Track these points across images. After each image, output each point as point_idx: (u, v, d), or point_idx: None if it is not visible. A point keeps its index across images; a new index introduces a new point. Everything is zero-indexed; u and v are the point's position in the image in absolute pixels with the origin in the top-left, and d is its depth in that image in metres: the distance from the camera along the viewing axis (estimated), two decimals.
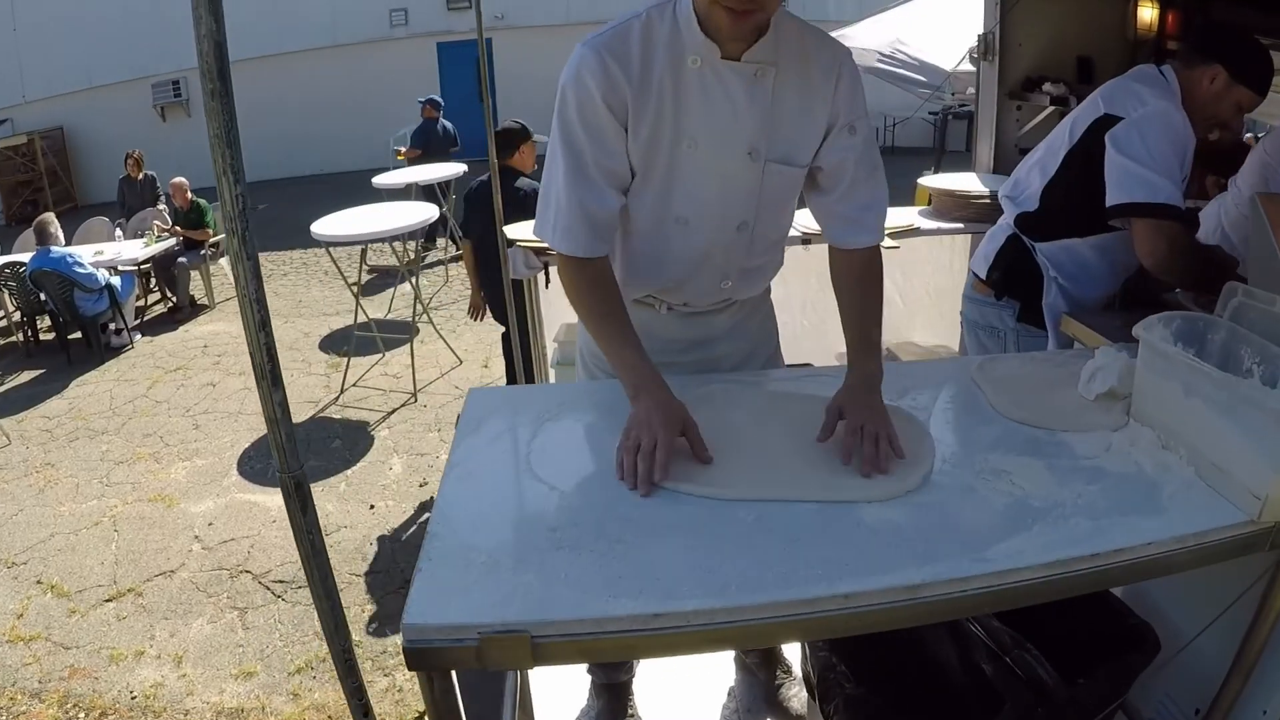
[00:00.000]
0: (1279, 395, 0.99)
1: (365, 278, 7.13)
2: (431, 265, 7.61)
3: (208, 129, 0.72)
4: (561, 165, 1.25)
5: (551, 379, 3.01)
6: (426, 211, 4.81)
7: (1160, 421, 1.14)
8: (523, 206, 3.15)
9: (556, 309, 2.92)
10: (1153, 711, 1.41)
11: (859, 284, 1.36)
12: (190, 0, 0.71)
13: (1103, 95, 1.83)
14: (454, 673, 0.90)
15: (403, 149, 7.74)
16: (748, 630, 0.86)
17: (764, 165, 1.28)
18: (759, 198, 1.31)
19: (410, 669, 0.89)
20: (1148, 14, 3.00)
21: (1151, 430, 1.15)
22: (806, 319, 3.11)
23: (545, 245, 1.47)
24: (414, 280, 5.43)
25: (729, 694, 1.82)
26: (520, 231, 2.75)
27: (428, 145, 7.71)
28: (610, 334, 1.25)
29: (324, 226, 4.57)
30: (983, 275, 2.05)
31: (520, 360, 2.93)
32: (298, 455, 0.85)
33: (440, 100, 7.87)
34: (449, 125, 7.93)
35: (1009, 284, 2.00)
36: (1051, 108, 3.10)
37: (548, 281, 2.80)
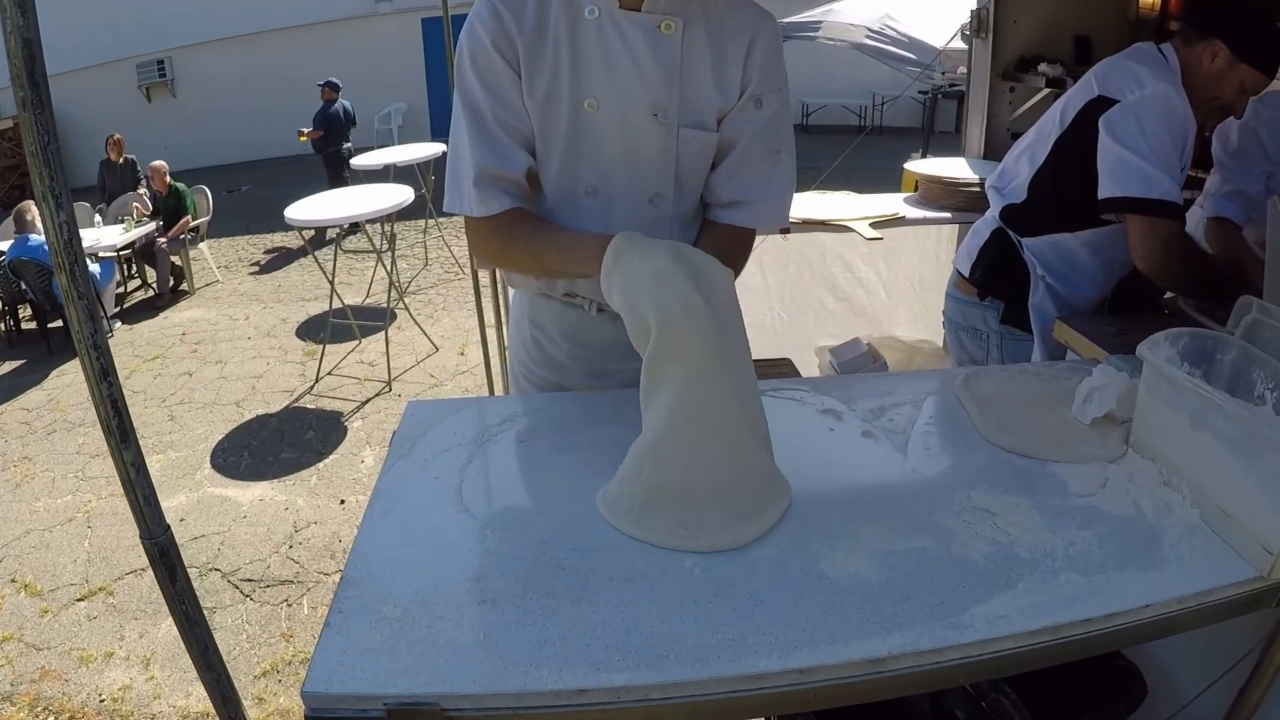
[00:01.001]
0: None
1: (268, 258, 7.14)
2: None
3: (24, 144, 0.59)
4: (465, 129, 1.14)
5: None
6: (402, 194, 4.68)
7: (1162, 454, 1.02)
8: None
9: None
10: None
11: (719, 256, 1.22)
12: None
13: (1097, 75, 1.67)
14: None
15: (305, 130, 7.92)
16: (684, 709, 0.75)
17: (677, 131, 1.16)
18: (675, 167, 1.19)
19: None
20: None
21: (1152, 464, 1.03)
22: (785, 311, 2.98)
23: None
24: (390, 264, 5.29)
25: None
26: None
27: (329, 126, 7.91)
28: (570, 246, 1.13)
29: (298, 210, 4.46)
30: (966, 273, 1.92)
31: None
32: (161, 519, 0.73)
33: (338, 82, 8.04)
34: (348, 105, 8.15)
35: (993, 283, 1.87)
36: (1046, 90, 2.93)
37: None
